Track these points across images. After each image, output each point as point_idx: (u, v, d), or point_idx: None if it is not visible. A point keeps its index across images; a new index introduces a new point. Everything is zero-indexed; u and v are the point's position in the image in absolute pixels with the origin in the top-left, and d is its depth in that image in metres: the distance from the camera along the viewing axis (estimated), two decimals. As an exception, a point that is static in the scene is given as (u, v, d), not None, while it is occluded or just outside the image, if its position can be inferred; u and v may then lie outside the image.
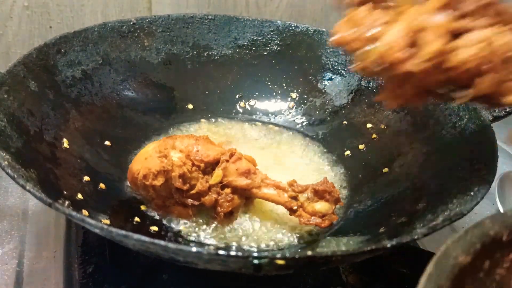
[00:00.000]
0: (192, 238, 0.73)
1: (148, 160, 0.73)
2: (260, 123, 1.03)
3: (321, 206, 0.72)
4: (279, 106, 1.06)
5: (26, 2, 1.06)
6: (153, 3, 1.15)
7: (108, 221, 0.70)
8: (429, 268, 0.41)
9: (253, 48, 1.07)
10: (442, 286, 0.40)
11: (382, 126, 0.94)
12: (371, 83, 0.99)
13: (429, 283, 0.40)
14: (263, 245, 0.73)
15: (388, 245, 0.54)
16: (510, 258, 0.48)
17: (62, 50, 0.87)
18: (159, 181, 0.72)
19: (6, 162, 0.59)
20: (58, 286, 0.71)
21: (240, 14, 1.22)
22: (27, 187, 0.56)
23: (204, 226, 0.75)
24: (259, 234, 0.74)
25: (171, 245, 0.50)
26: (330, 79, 1.04)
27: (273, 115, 1.05)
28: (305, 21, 1.27)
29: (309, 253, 0.51)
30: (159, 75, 1.01)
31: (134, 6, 1.14)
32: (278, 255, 0.50)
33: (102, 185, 0.77)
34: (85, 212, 0.67)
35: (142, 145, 0.89)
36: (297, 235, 0.75)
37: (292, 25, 1.07)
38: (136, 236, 0.50)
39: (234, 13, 1.18)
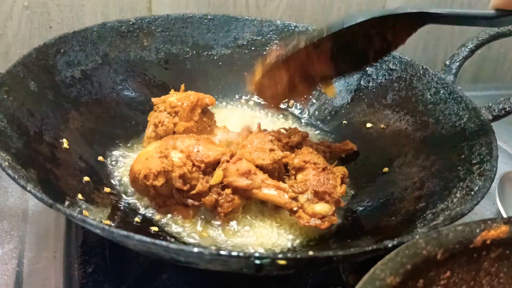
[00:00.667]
0: (193, 239, 0.73)
1: (149, 160, 0.73)
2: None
3: (321, 207, 0.72)
4: (278, 106, 1.06)
5: (26, 2, 1.06)
6: (153, 3, 1.15)
7: (108, 222, 0.69)
8: None
9: (253, 48, 1.07)
10: None
11: (382, 126, 0.94)
12: (370, 83, 0.99)
13: None
14: (264, 245, 0.73)
15: (389, 245, 0.54)
16: (447, 276, 0.48)
17: (62, 50, 0.87)
18: (159, 182, 0.72)
19: (6, 163, 0.59)
20: (58, 286, 0.71)
21: (240, 14, 1.22)
22: (28, 188, 0.56)
23: (205, 226, 0.75)
24: (260, 234, 0.74)
25: (172, 245, 0.50)
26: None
27: (273, 115, 1.05)
28: (305, 21, 1.27)
29: (311, 253, 0.51)
30: (159, 75, 1.02)
31: (134, 6, 1.14)
32: (280, 255, 0.50)
33: (102, 186, 0.77)
34: (85, 212, 0.67)
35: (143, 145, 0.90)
36: (298, 235, 0.75)
37: (292, 25, 1.07)
38: (138, 236, 0.50)
39: (234, 13, 1.18)
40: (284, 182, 0.78)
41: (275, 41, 0.82)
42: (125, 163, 0.85)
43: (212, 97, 0.90)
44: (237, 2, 1.21)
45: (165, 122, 0.84)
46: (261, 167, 0.76)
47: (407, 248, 0.45)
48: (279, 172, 0.79)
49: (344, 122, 0.99)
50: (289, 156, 0.79)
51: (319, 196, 0.72)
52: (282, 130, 0.87)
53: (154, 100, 0.90)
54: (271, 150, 0.78)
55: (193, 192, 0.73)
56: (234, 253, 0.50)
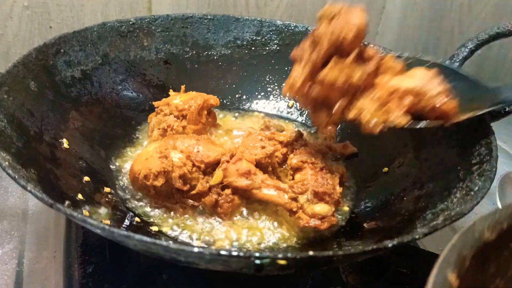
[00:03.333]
0: (193, 239, 0.73)
1: (149, 160, 0.73)
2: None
3: (321, 208, 0.72)
4: (278, 106, 1.06)
5: (26, 2, 1.06)
6: (153, 3, 1.15)
7: (108, 221, 0.69)
8: (453, 239, 0.42)
9: (253, 48, 1.07)
10: (465, 256, 0.42)
11: (382, 126, 0.94)
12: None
13: (452, 252, 0.41)
14: (264, 245, 0.73)
15: (389, 245, 0.54)
16: None
17: (62, 50, 0.87)
18: (159, 182, 0.72)
19: (7, 163, 0.59)
20: (58, 286, 0.71)
21: (240, 14, 1.22)
22: (28, 188, 0.56)
23: (205, 226, 0.75)
24: (260, 234, 0.74)
25: (173, 245, 0.50)
26: (330, 79, 1.04)
27: (273, 115, 1.05)
28: (305, 21, 1.27)
29: (311, 253, 0.51)
30: (159, 75, 1.02)
31: (134, 6, 1.14)
32: (280, 255, 0.50)
33: (102, 185, 0.77)
34: (85, 212, 0.67)
35: (142, 145, 0.90)
36: (298, 234, 0.75)
37: (291, 25, 1.07)
38: (138, 236, 0.50)
39: (234, 13, 1.18)
40: (278, 177, 0.78)
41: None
42: (125, 163, 0.85)
43: (216, 97, 0.90)
44: (237, 2, 1.21)
45: (175, 126, 0.84)
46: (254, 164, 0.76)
47: (505, 208, 0.46)
48: (273, 167, 0.79)
49: (344, 122, 0.99)
50: (280, 150, 0.79)
51: (319, 196, 0.72)
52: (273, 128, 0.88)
53: (156, 103, 0.90)
54: (262, 147, 0.78)
55: (193, 192, 0.73)
56: (234, 253, 0.50)
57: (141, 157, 0.76)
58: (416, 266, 0.72)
